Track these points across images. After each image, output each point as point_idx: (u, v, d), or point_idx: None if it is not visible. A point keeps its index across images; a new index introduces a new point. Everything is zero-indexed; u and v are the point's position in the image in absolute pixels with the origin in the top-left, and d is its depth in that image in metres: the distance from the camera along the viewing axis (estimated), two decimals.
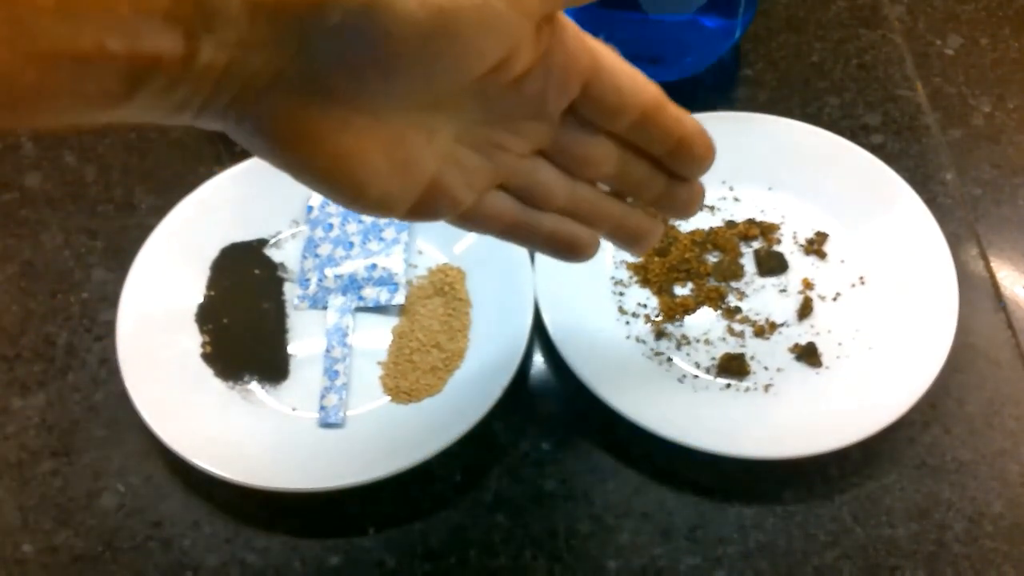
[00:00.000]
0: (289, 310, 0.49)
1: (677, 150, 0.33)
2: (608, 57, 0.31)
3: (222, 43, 0.24)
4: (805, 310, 0.48)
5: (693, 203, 0.37)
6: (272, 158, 0.28)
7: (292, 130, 0.27)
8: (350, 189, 0.29)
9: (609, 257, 0.50)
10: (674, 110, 0.33)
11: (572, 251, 0.36)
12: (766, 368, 0.46)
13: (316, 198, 0.52)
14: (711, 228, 0.51)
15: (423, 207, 0.31)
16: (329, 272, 0.50)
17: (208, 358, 0.47)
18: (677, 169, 0.35)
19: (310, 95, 0.26)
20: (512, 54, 0.27)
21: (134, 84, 0.23)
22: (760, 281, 0.49)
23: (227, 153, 0.55)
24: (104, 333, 0.49)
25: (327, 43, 0.25)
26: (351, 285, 0.49)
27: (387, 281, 0.49)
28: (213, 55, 0.24)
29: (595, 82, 0.30)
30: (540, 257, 0.47)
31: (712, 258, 0.50)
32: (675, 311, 0.48)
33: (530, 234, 0.35)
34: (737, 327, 0.48)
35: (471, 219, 0.33)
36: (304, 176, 0.28)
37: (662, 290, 0.49)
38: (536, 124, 0.32)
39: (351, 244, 0.51)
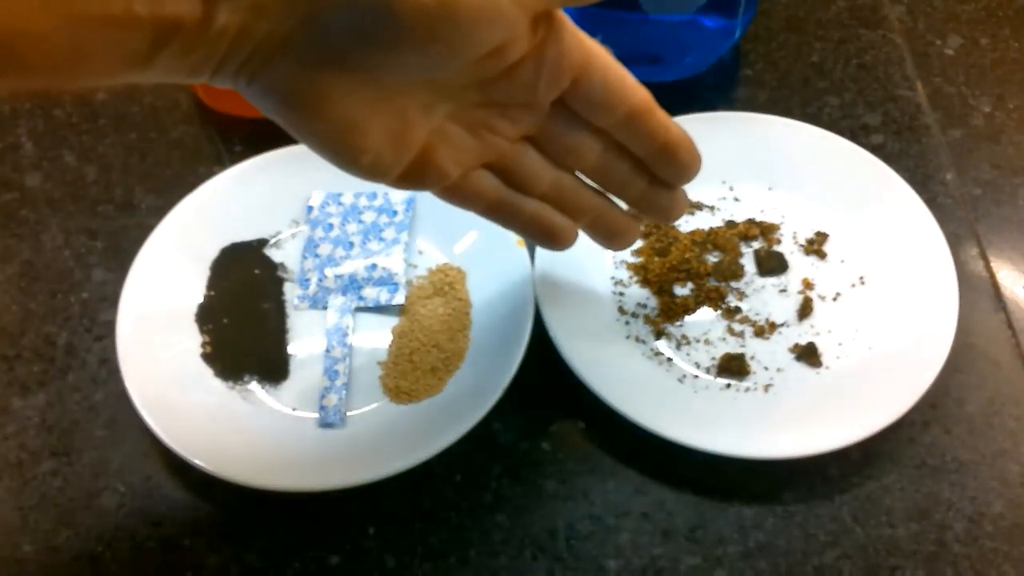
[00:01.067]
0: (289, 310, 0.49)
1: (660, 154, 0.35)
2: (601, 56, 0.32)
3: (236, 8, 0.25)
4: (805, 310, 0.48)
5: (673, 210, 0.38)
6: (279, 119, 0.30)
7: (298, 95, 0.28)
8: (347, 154, 0.30)
9: (609, 257, 0.50)
10: (662, 116, 0.34)
11: (550, 238, 0.38)
12: (766, 368, 0.46)
13: (316, 198, 0.52)
14: (711, 228, 0.51)
15: (411, 176, 0.33)
16: (329, 272, 0.50)
17: (208, 358, 0.47)
18: (660, 172, 0.36)
19: (317, 64, 0.27)
20: (508, 43, 0.29)
21: (156, 46, 0.25)
22: (760, 281, 0.49)
23: (227, 153, 0.55)
24: (104, 333, 0.49)
25: (334, 16, 0.26)
26: (351, 285, 0.49)
27: (387, 281, 0.49)
28: (228, 19, 0.25)
29: (585, 77, 0.32)
30: (540, 257, 0.47)
31: (712, 258, 0.50)
32: (675, 311, 0.48)
33: (512, 215, 0.37)
34: (737, 327, 0.48)
35: (457, 193, 0.35)
36: (306, 139, 0.30)
37: (662, 290, 0.49)
38: (526, 111, 0.33)
39: (351, 244, 0.51)
